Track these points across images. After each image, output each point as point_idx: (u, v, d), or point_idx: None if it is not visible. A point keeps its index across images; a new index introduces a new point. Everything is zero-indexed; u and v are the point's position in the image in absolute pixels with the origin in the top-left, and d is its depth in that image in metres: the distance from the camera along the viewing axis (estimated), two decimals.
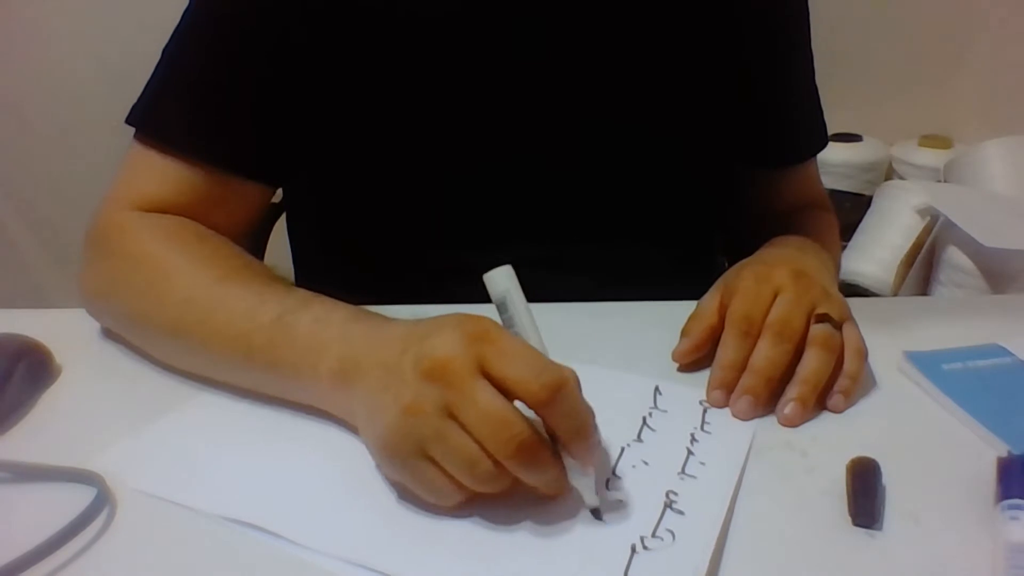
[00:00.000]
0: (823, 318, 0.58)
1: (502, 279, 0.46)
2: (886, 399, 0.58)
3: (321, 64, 0.65)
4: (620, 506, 0.46)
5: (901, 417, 0.56)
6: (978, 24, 1.79)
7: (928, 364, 0.60)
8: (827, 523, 0.46)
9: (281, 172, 0.68)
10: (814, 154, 0.86)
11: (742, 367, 0.57)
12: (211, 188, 0.64)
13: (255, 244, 1.01)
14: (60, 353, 0.60)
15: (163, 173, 0.63)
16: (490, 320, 0.45)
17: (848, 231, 1.68)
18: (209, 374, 0.57)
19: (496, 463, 0.42)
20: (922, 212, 1.57)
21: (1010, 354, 0.62)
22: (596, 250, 0.73)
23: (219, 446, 0.52)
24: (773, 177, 0.85)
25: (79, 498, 0.45)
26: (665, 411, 0.56)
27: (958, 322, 0.70)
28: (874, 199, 1.71)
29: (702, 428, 0.54)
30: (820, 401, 0.56)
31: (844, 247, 1.64)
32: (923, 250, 1.54)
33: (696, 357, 0.60)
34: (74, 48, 1.68)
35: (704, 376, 0.58)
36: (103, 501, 0.46)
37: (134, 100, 0.65)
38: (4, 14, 1.65)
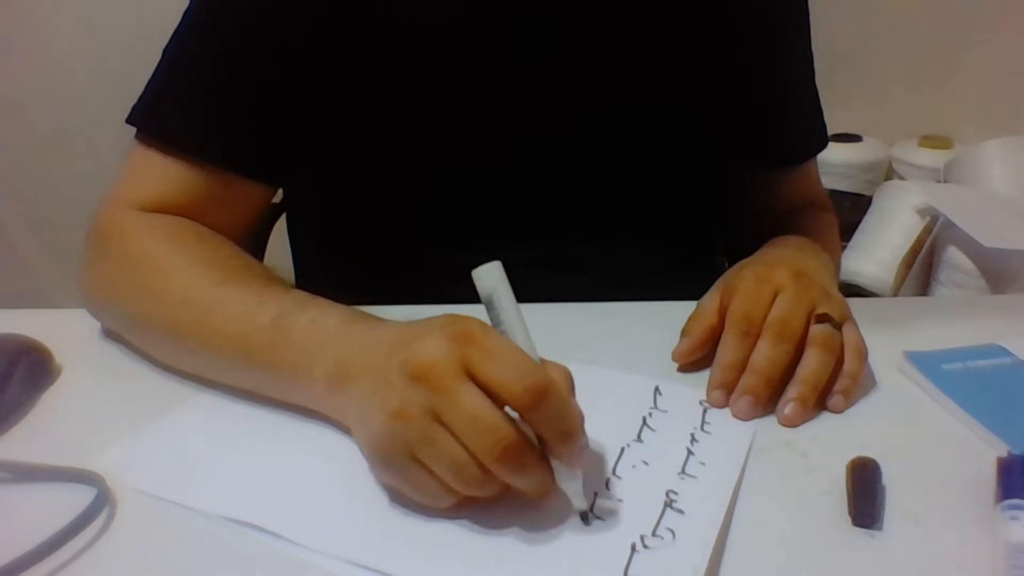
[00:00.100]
0: (823, 318, 0.58)
1: (490, 276, 0.45)
2: (886, 399, 0.58)
3: (321, 64, 0.65)
4: (620, 505, 0.46)
5: (901, 417, 0.56)
6: (978, 24, 1.79)
7: (928, 364, 0.60)
8: (827, 523, 0.46)
9: (282, 172, 0.68)
10: (814, 154, 0.86)
11: (742, 367, 0.57)
12: (212, 188, 0.64)
13: (255, 244, 1.01)
14: (60, 353, 0.60)
15: (164, 173, 0.63)
16: (477, 321, 0.44)
17: (848, 231, 1.68)
18: (208, 375, 0.57)
19: (483, 467, 0.42)
20: (922, 212, 1.57)
21: (1010, 354, 0.62)
22: (596, 250, 0.73)
23: (219, 446, 0.52)
24: (773, 177, 0.85)
25: (79, 498, 0.45)
26: (665, 411, 0.56)
27: (958, 322, 0.70)
28: (874, 199, 1.71)
29: (702, 428, 0.54)
30: (820, 401, 0.56)
31: (844, 247, 1.64)
32: (923, 250, 1.54)
33: (696, 357, 0.60)
34: (74, 48, 1.68)
35: (704, 376, 0.58)
36: (103, 501, 0.46)
37: (134, 100, 0.65)
38: (4, 14, 1.65)
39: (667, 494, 0.47)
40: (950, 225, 1.42)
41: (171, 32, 0.66)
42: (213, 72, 0.64)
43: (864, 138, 1.87)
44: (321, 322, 0.52)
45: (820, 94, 0.84)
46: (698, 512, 0.46)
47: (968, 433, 0.55)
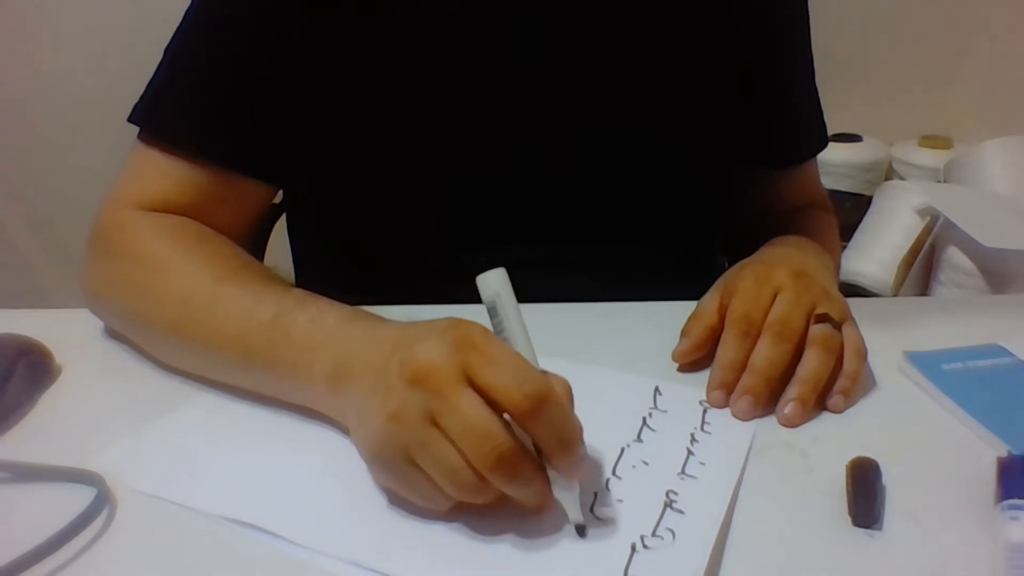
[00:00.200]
0: (823, 318, 0.58)
1: (493, 282, 0.44)
2: (886, 399, 0.58)
3: (321, 64, 0.65)
4: (620, 505, 0.46)
5: (901, 417, 0.56)
6: (978, 24, 1.79)
7: (928, 364, 0.60)
8: (827, 523, 0.46)
9: (283, 171, 0.68)
10: (814, 154, 0.86)
11: (742, 367, 0.57)
12: (213, 187, 0.64)
13: (255, 244, 1.01)
14: (60, 353, 0.60)
15: (165, 172, 0.63)
16: (479, 326, 0.44)
17: (848, 231, 1.68)
18: (209, 374, 0.57)
19: (478, 474, 0.41)
20: (922, 212, 1.57)
21: (1010, 354, 0.62)
22: (596, 250, 0.73)
23: (219, 446, 0.52)
24: (773, 177, 0.85)
25: (79, 498, 0.45)
26: (665, 411, 0.56)
27: (958, 322, 0.70)
28: (874, 199, 1.71)
29: (702, 428, 0.54)
30: (820, 401, 0.56)
31: (844, 247, 1.64)
32: (923, 250, 1.54)
33: (696, 357, 0.60)
34: (74, 48, 1.68)
35: (704, 376, 0.58)
36: (103, 501, 0.46)
37: (134, 100, 0.65)
38: (4, 14, 1.65)
39: (667, 494, 0.47)
40: (950, 225, 1.42)
41: (171, 32, 0.66)
42: (214, 72, 0.64)
43: (864, 138, 1.87)
44: (321, 321, 0.52)
45: (820, 94, 0.84)
46: (698, 512, 0.46)
47: (968, 433, 0.55)
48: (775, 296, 0.59)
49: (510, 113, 0.68)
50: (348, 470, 0.48)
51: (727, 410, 0.56)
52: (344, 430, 0.51)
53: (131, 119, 0.65)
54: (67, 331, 0.62)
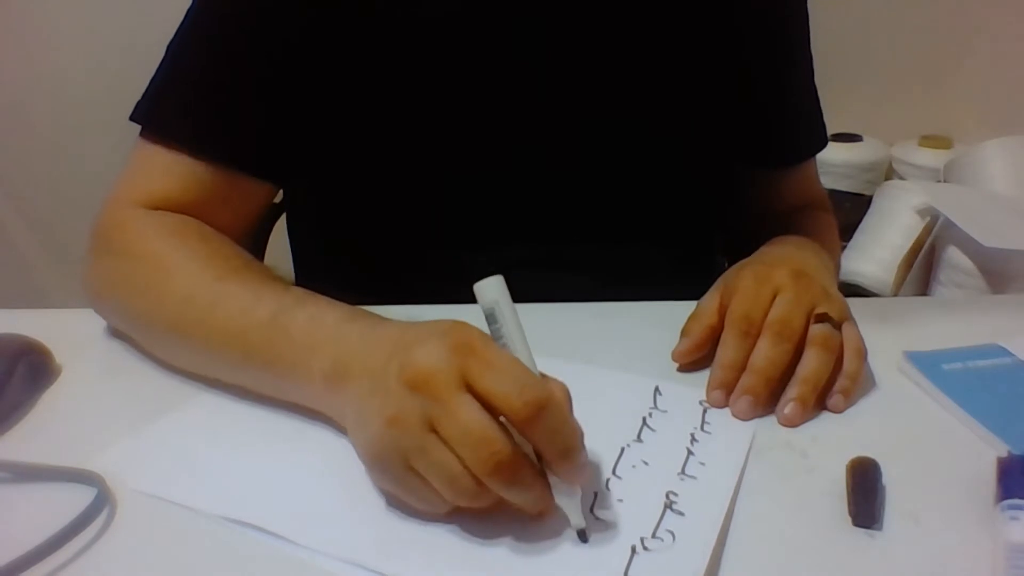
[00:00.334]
0: (823, 318, 0.58)
1: (492, 290, 0.44)
2: (886, 399, 0.58)
3: (322, 64, 0.65)
4: (620, 506, 0.46)
5: (901, 417, 0.56)
6: (978, 24, 1.79)
7: (928, 364, 0.60)
8: (827, 523, 0.46)
9: (285, 170, 0.68)
10: (814, 154, 0.86)
11: (742, 367, 0.57)
12: (215, 185, 0.64)
13: (255, 244, 1.01)
14: (60, 353, 0.60)
15: (167, 170, 0.63)
16: (478, 331, 0.44)
17: (848, 231, 1.68)
18: (209, 373, 0.57)
19: (477, 480, 0.41)
20: (922, 212, 1.57)
21: (1010, 354, 0.62)
22: (596, 250, 0.73)
23: (219, 446, 0.52)
24: (773, 177, 0.85)
25: (79, 498, 0.45)
26: (665, 411, 0.56)
27: (958, 322, 0.70)
28: (874, 199, 1.71)
29: (702, 428, 0.54)
30: (820, 401, 0.56)
31: (844, 247, 1.64)
32: (923, 250, 1.54)
33: (696, 357, 0.60)
34: (74, 48, 1.68)
35: (704, 376, 0.58)
36: (103, 501, 0.46)
37: (135, 101, 0.65)
38: (4, 14, 1.65)
39: (667, 495, 0.47)
40: (950, 225, 1.42)
41: (172, 32, 0.66)
42: (216, 71, 0.64)
43: (864, 138, 1.87)
44: (320, 320, 0.52)
45: (820, 94, 0.84)
46: (698, 514, 0.46)
47: (968, 433, 0.55)
48: (775, 296, 0.59)
49: (510, 113, 0.68)
50: (348, 470, 0.48)
51: (727, 410, 0.56)
52: (342, 429, 0.50)
53: (133, 117, 0.65)
54: (67, 331, 0.62)
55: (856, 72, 1.77)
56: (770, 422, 0.55)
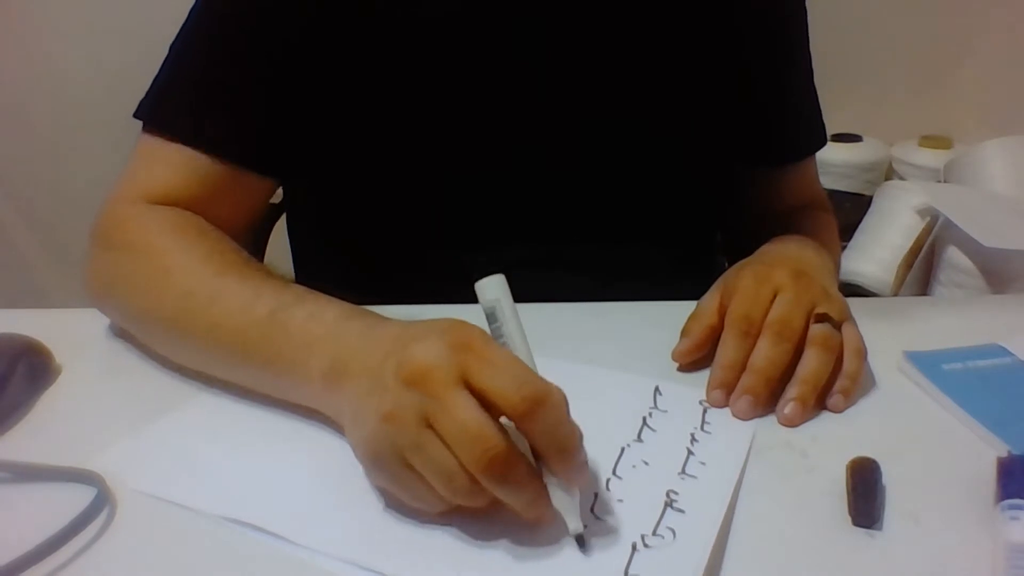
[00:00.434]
0: (823, 318, 0.58)
1: (493, 288, 0.44)
2: (886, 399, 0.58)
3: (322, 64, 0.65)
4: (620, 505, 0.46)
5: (901, 417, 0.56)
6: (978, 24, 1.79)
7: (928, 364, 0.60)
8: (827, 523, 0.46)
9: (286, 165, 0.68)
10: (813, 152, 0.86)
11: (742, 367, 0.57)
12: (217, 180, 0.64)
13: (255, 244, 1.01)
14: (60, 353, 0.60)
15: (170, 165, 0.63)
16: (477, 328, 0.44)
17: (848, 231, 1.68)
18: (208, 369, 0.57)
19: (472, 477, 0.41)
20: (922, 212, 1.57)
21: (1010, 354, 0.62)
22: (596, 250, 0.73)
23: (219, 446, 0.52)
24: (773, 176, 0.85)
25: (79, 498, 0.45)
26: (665, 411, 0.56)
27: (958, 322, 0.70)
28: (874, 199, 1.71)
29: (702, 428, 0.54)
30: (820, 401, 0.56)
31: (844, 247, 1.64)
32: (923, 250, 1.54)
33: (696, 357, 0.60)
34: (74, 49, 1.68)
35: (704, 376, 0.58)
36: (103, 501, 0.46)
37: (135, 101, 0.65)
38: (4, 14, 1.65)
39: (667, 494, 0.47)
40: (950, 225, 1.42)
41: (172, 33, 0.66)
42: (217, 70, 0.65)
43: (864, 138, 1.86)
44: (319, 317, 0.52)
45: (820, 94, 0.84)
46: (698, 512, 0.46)
47: (968, 433, 0.55)
48: (775, 296, 0.59)
49: (510, 113, 0.68)
50: (348, 470, 0.48)
51: (727, 410, 0.56)
52: (339, 428, 0.50)
53: (137, 115, 0.65)
54: (67, 331, 0.62)
55: (856, 72, 1.77)
56: (770, 422, 0.55)
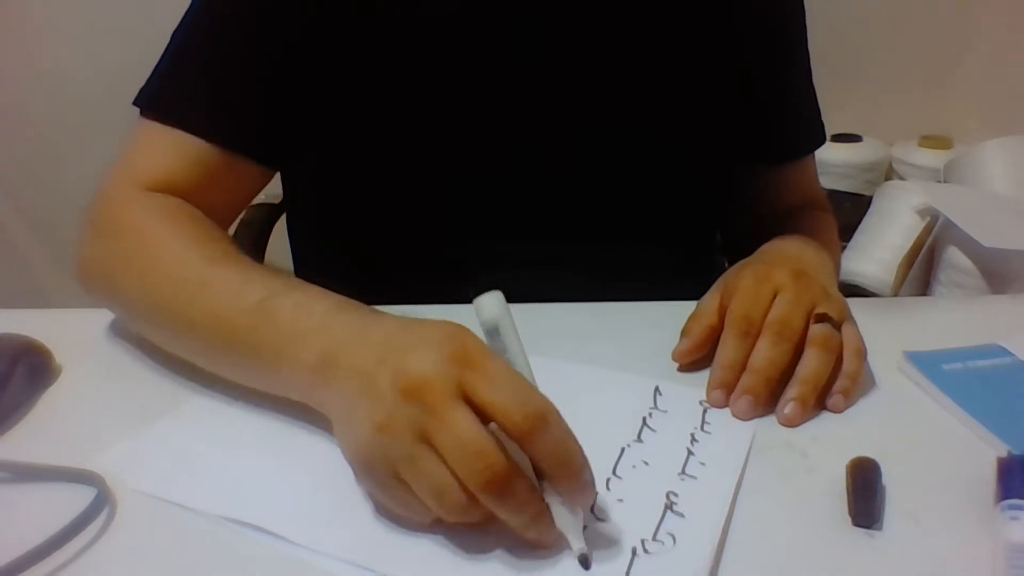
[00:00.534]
0: (822, 318, 0.58)
1: (492, 306, 0.43)
2: (886, 399, 0.58)
3: (322, 63, 0.65)
4: (620, 507, 0.46)
5: (901, 417, 0.56)
6: (978, 24, 1.79)
7: (928, 364, 0.60)
8: (827, 523, 0.46)
9: (283, 156, 0.68)
10: (812, 150, 0.87)
11: (742, 367, 0.57)
12: (211, 167, 0.64)
13: (255, 244, 1.02)
14: (60, 353, 0.60)
15: (166, 150, 0.63)
16: (476, 338, 0.43)
17: (848, 231, 1.68)
18: (195, 357, 0.56)
19: (468, 494, 0.40)
20: (922, 212, 1.57)
21: (1010, 354, 0.62)
22: (596, 249, 0.73)
23: (219, 446, 0.52)
24: (772, 176, 0.85)
25: (79, 498, 0.45)
26: (665, 411, 0.56)
27: (958, 322, 0.70)
28: (874, 199, 1.71)
29: (702, 428, 0.54)
30: (820, 401, 0.56)
31: (844, 247, 1.64)
32: (923, 250, 1.53)
33: (696, 357, 0.60)
34: (74, 49, 1.68)
35: (704, 376, 0.58)
36: (103, 501, 0.46)
37: (135, 104, 0.65)
38: (4, 14, 1.65)
39: (667, 496, 0.47)
40: (950, 225, 1.42)
41: (171, 33, 0.66)
42: (217, 64, 0.65)
43: (864, 138, 1.86)
44: (308, 308, 0.51)
45: (820, 94, 0.84)
46: (699, 515, 0.46)
47: (968, 433, 0.55)
48: (775, 296, 0.59)
49: (510, 113, 0.68)
50: (347, 471, 0.48)
51: (727, 410, 0.56)
52: (325, 422, 0.49)
53: (136, 102, 0.65)
54: (67, 331, 0.62)
55: (856, 72, 1.77)
56: (770, 422, 0.55)
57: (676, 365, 0.61)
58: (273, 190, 0.88)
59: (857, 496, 0.47)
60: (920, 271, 1.54)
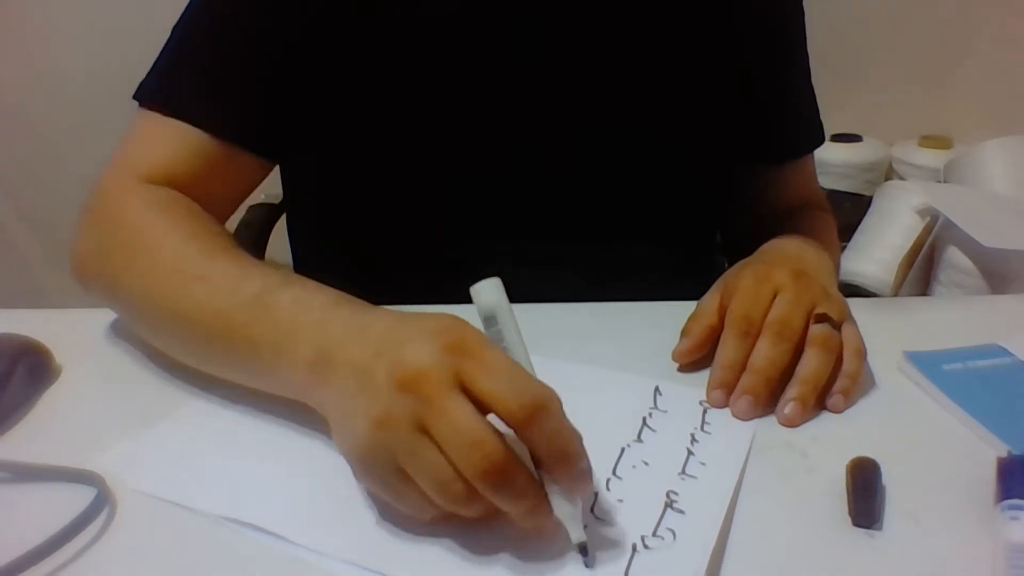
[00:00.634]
0: (822, 318, 0.58)
1: (490, 292, 0.43)
2: (886, 399, 0.58)
3: (322, 60, 0.65)
4: (620, 506, 0.46)
5: (901, 417, 0.56)
6: (978, 24, 1.79)
7: (928, 364, 0.60)
8: (827, 523, 0.46)
9: (283, 149, 0.68)
10: (811, 150, 0.87)
11: (742, 367, 0.57)
12: (211, 158, 0.64)
13: (255, 244, 1.02)
14: (60, 353, 0.60)
15: (164, 141, 0.63)
16: (472, 328, 0.42)
17: (848, 231, 1.68)
18: (191, 355, 0.56)
19: (468, 484, 0.40)
20: (922, 212, 1.57)
21: (1010, 354, 0.62)
22: (596, 249, 0.73)
23: (220, 447, 0.52)
24: (771, 175, 0.85)
25: (79, 498, 0.45)
26: (665, 411, 0.56)
27: (958, 322, 0.70)
28: (874, 199, 1.71)
29: (702, 428, 0.54)
30: (820, 401, 0.56)
31: (844, 247, 1.64)
32: (923, 250, 1.53)
33: (696, 357, 0.60)
34: (74, 49, 1.68)
35: (704, 376, 0.58)
36: (103, 501, 0.46)
37: (135, 102, 0.65)
38: (4, 14, 1.65)
39: (667, 494, 0.47)
40: (950, 225, 1.42)
41: (171, 29, 0.66)
42: (219, 57, 0.65)
43: (864, 138, 1.87)
44: (305, 302, 0.50)
45: (820, 94, 0.84)
46: (699, 513, 0.46)
47: (968, 433, 0.55)
48: (775, 296, 0.59)
49: (510, 112, 0.68)
50: (348, 471, 0.48)
51: (727, 410, 0.56)
52: (322, 420, 0.49)
53: (136, 96, 0.65)
54: (67, 331, 0.62)
55: (856, 72, 1.77)
56: (770, 422, 0.55)
57: (676, 365, 0.61)
58: (273, 190, 0.88)
59: (857, 496, 0.47)
60: (920, 271, 1.54)
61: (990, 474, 0.48)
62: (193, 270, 0.55)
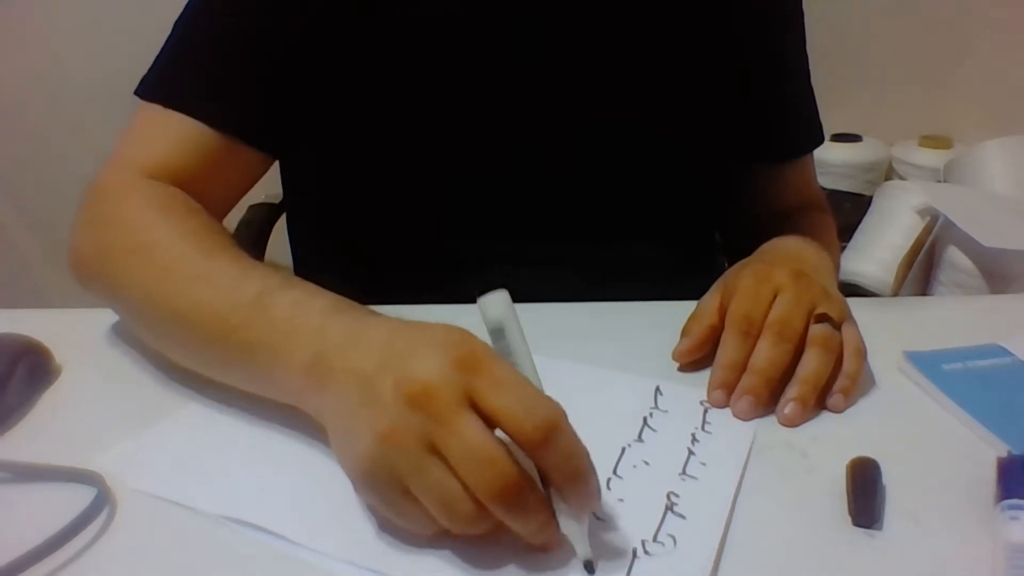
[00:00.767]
0: (823, 318, 0.58)
1: (498, 306, 0.42)
2: (886, 399, 0.58)
3: (322, 60, 0.65)
4: (621, 507, 0.46)
5: (901, 417, 0.56)
6: (978, 24, 1.79)
7: (928, 364, 0.60)
8: (827, 523, 0.46)
9: (283, 144, 0.68)
10: (811, 149, 0.87)
11: (742, 367, 0.57)
12: (212, 153, 0.63)
13: (255, 244, 1.02)
14: (60, 353, 0.60)
15: (164, 135, 0.63)
16: (480, 342, 0.42)
17: (848, 231, 1.68)
18: (188, 355, 0.55)
19: (477, 504, 0.39)
20: (922, 212, 1.57)
21: (1010, 354, 0.62)
22: (596, 249, 0.73)
23: (219, 446, 0.52)
24: (771, 175, 0.85)
25: (79, 498, 0.45)
26: (666, 411, 0.56)
27: (958, 322, 0.70)
28: (874, 199, 1.71)
29: (703, 428, 0.54)
30: (820, 401, 0.56)
31: (844, 247, 1.64)
32: (923, 250, 1.53)
33: (696, 357, 0.60)
34: (74, 49, 1.68)
35: (704, 376, 0.58)
36: (103, 501, 0.46)
37: (135, 102, 0.65)
38: (4, 14, 1.65)
39: (668, 496, 0.47)
40: (950, 225, 1.42)
41: (172, 26, 0.66)
42: (220, 53, 0.65)
43: (864, 138, 1.87)
44: (305, 306, 0.49)
45: (820, 94, 0.84)
46: (700, 517, 0.46)
47: (968, 433, 0.55)
48: (775, 296, 0.59)
49: (510, 112, 0.68)
50: None
51: (728, 410, 0.56)
52: (317, 426, 0.48)
53: (137, 91, 0.65)
54: (67, 331, 0.62)
55: (856, 72, 1.77)
56: (770, 422, 0.55)
57: (676, 365, 0.61)
58: (273, 190, 0.88)
59: (857, 496, 0.47)
60: (920, 271, 1.54)
61: (990, 474, 0.48)
62: (192, 270, 0.54)
